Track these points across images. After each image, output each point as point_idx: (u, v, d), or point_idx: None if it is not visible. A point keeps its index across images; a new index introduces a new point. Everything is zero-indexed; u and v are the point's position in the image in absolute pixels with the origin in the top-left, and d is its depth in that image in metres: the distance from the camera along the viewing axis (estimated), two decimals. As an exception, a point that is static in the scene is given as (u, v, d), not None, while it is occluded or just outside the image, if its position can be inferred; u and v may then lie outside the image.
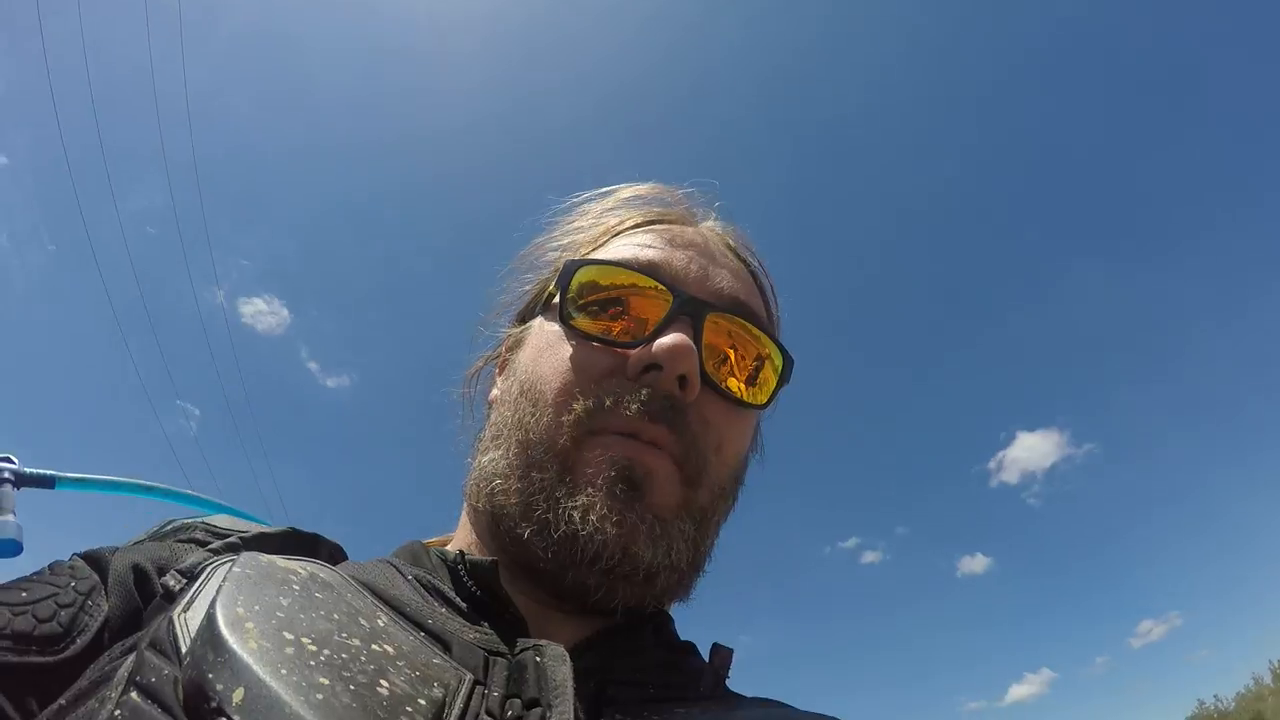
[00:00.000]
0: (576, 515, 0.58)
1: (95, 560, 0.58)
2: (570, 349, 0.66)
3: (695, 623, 0.73)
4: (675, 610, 0.73)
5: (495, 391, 0.78)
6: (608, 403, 0.61)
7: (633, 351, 0.64)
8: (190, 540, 0.64)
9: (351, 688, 0.41)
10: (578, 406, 0.62)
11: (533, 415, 0.64)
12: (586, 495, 0.59)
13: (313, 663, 0.41)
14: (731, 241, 0.79)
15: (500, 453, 0.66)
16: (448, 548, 0.71)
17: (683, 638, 0.72)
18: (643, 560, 0.59)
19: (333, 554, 0.71)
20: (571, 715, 0.47)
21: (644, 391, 0.61)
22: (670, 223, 0.77)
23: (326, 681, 0.40)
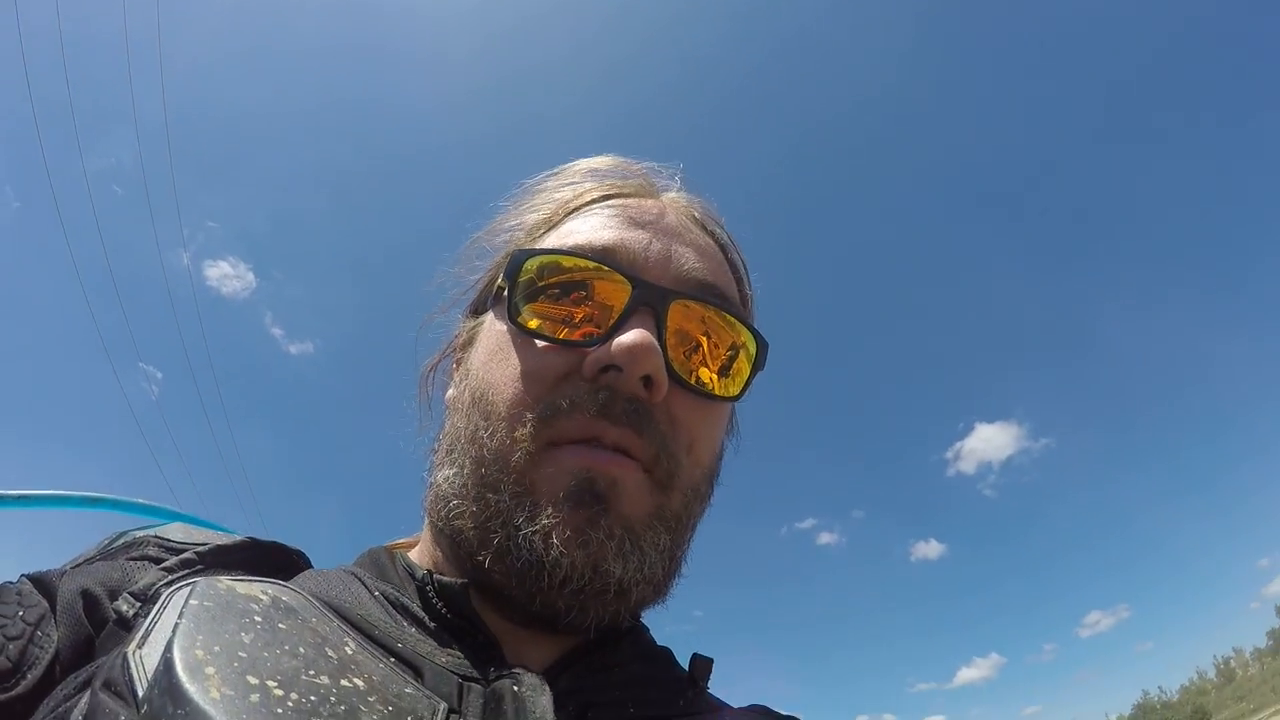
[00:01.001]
0: (538, 540, 0.54)
1: (43, 584, 0.55)
2: (520, 352, 0.61)
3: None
4: None
5: (451, 391, 0.72)
6: (564, 405, 0.57)
7: (589, 351, 0.59)
8: (143, 557, 0.60)
9: None
10: (531, 417, 0.57)
11: (485, 429, 0.59)
12: (547, 517, 0.54)
13: (279, 710, 0.38)
14: (697, 214, 0.73)
15: (455, 470, 0.62)
16: (411, 556, 0.68)
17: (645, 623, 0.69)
18: (614, 576, 0.55)
19: (294, 563, 0.67)
20: None
21: (602, 393, 0.57)
22: (629, 196, 0.71)
23: None
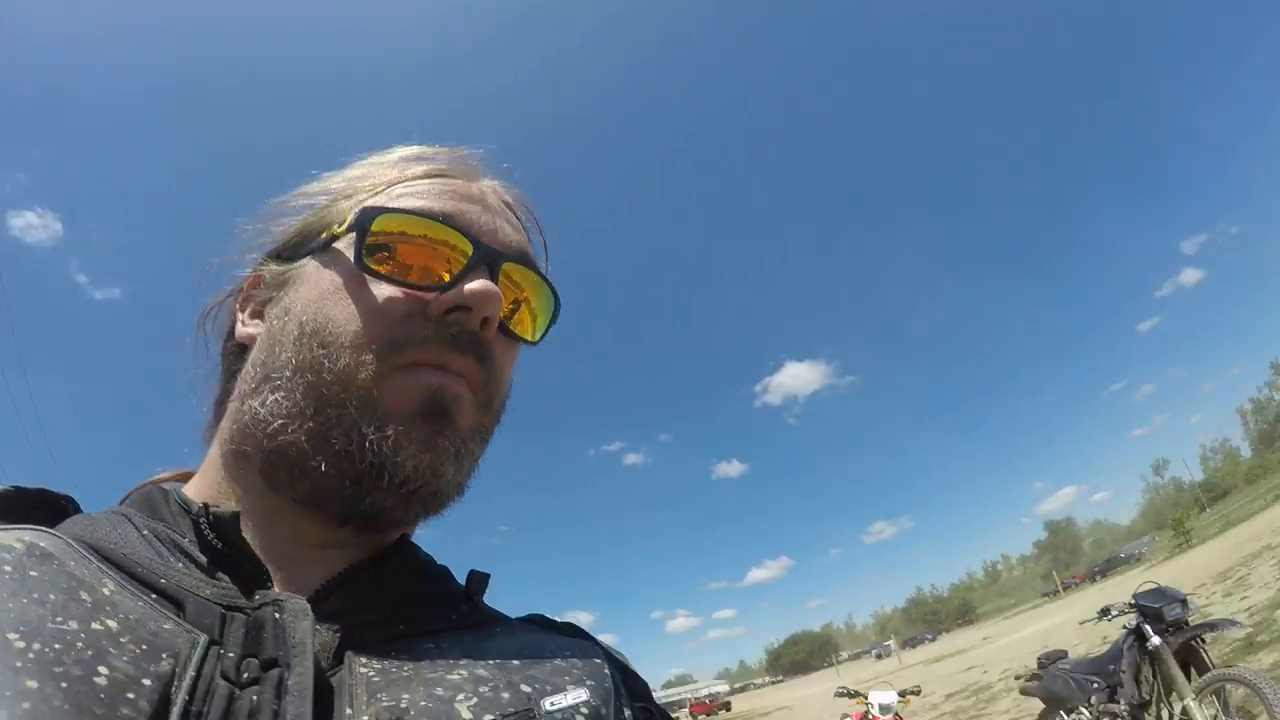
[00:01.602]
0: (387, 446, 0.58)
1: None
2: (365, 292, 0.66)
3: (455, 514, 0.76)
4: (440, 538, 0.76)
5: (250, 330, 0.73)
6: (412, 338, 0.63)
7: (433, 295, 0.66)
8: None
9: (64, 685, 0.36)
10: (377, 346, 0.63)
11: (325, 355, 0.63)
12: (396, 425, 0.59)
13: (19, 664, 0.36)
14: (509, 199, 0.84)
15: (282, 394, 0.63)
16: (187, 490, 0.68)
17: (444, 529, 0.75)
18: (446, 479, 0.62)
19: (63, 509, 0.64)
20: (311, 674, 0.46)
21: (453, 328, 0.64)
22: (454, 176, 0.80)
23: (35, 685, 0.35)
